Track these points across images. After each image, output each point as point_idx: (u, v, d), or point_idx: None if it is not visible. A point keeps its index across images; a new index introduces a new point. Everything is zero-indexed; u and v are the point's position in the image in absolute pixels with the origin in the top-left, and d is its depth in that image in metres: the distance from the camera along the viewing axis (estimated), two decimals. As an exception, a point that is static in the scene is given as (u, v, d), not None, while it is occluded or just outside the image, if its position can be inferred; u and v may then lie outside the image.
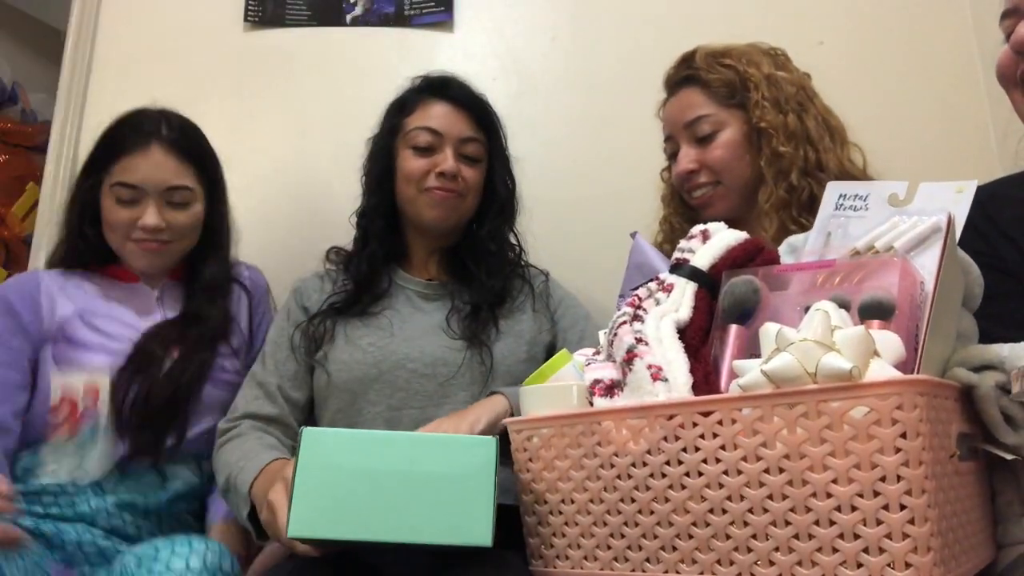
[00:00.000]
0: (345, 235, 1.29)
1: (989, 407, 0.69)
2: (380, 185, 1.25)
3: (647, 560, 0.72)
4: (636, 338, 0.76)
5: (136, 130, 1.20)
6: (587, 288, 1.35)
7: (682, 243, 0.85)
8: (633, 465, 0.72)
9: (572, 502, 0.77)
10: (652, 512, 0.71)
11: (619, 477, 0.73)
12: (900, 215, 0.76)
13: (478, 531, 0.72)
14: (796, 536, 0.63)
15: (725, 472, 0.66)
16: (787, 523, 0.63)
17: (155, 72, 1.68)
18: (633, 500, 0.72)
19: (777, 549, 0.64)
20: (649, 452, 0.71)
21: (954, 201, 0.75)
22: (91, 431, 1.11)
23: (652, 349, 0.75)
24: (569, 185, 1.56)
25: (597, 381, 0.78)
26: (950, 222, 0.70)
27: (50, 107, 1.73)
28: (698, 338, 0.77)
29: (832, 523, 0.61)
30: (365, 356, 1.13)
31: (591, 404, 0.78)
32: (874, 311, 0.67)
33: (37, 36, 2.82)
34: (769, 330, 0.66)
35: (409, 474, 0.74)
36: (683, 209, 1.21)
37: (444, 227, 1.24)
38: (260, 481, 0.98)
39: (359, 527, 0.73)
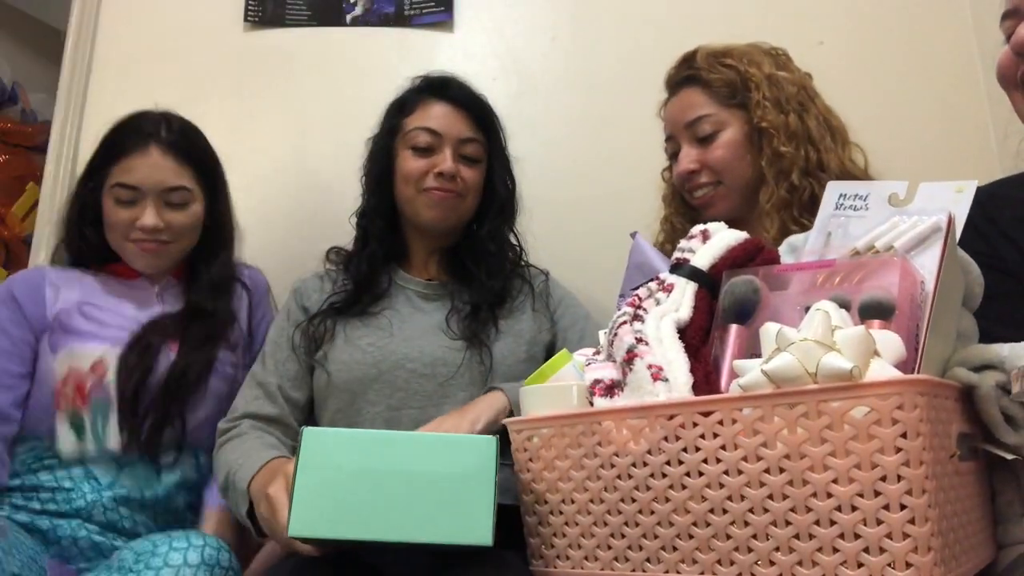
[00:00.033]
0: (345, 235, 1.29)
1: (989, 407, 0.69)
2: (380, 185, 1.25)
3: (647, 560, 0.72)
4: (636, 338, 0.76)
5: (136, 132, 1.21)
6: (587, 288, 1.35)
7: (682, 243, 0.85)
8: (633, 465, 0.72)
9: (572, 502, 0.77)
10: (652, 512, 0.71)
11: (619, 477, 0.73)
12: (900, 215, 0.76)
13: (478, 531, 0.72)
14: (796, 536, 0.63)
15: (726, 472, 0.66)
16: (787, 523, 0.63)
17: (155, 72, 1.68)
18: (633, 500, 0.72)
19: (777, 549, 0.64)
20: (649, 452, 0.71)
21: (954, 201, 0.75)
22: (103, 402, 1.13)
23: (652, 349, 0.75)
24: (569, 185, 1.56)
25: (597, 381, 0.78)
26: (950, 222, 0.70)
27: (50, 107, 1.73)
28: (698, 338, 0.77)
29: (832, 523, 0.61)
30: (365, 356, 1.13)
31: (591, 404, 0.78)
32: (874, 311, 0.67)
33: (37, 36, 2.82)
34: (769, 330, 0.66)
35: (409, 474, 0.74)
36: (684, 209, 1.21)
37: (443, 227, 1.24)
38: (259, 478, 0.98)
39: (360, 527, 0.73)
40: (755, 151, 1.10)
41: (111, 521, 1.11)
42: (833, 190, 0.83)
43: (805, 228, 0.96)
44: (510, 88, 1.61)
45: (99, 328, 1.18)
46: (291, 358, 1.17)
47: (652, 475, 0.70)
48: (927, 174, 0.79)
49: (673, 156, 1.19)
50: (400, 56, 1.65)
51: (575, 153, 1.58)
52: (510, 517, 0.82)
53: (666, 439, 0.69)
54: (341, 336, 1.16)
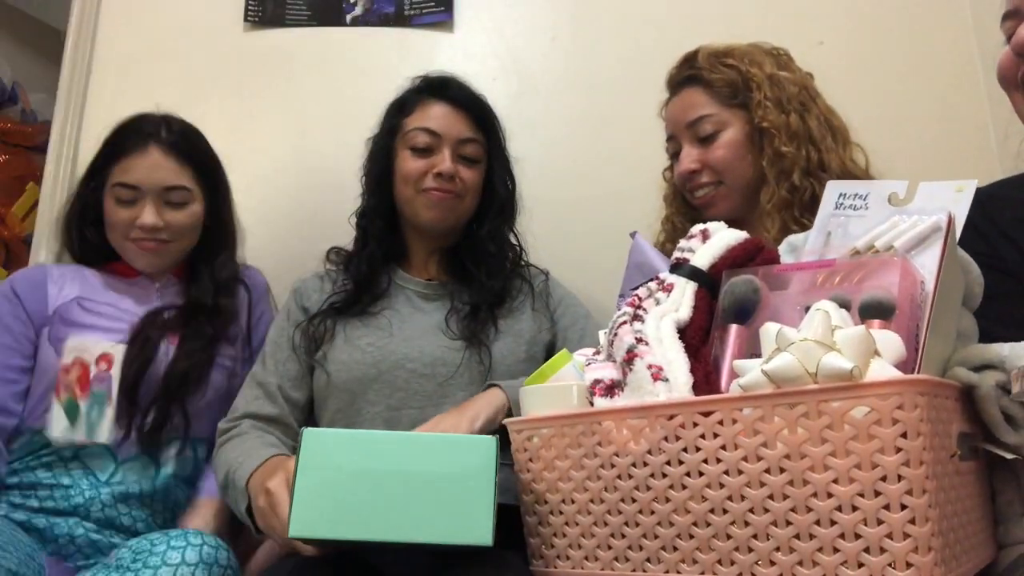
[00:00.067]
0: (345, 235, 1.29)
1: (989, 407, 0.69)
2: (379, 185, 1.25)
3: (648, 560, 0.72)
4: (636, 338, 0.76)
5: (137, 133, 1.23)
6: (587, 288, 1.35)
7: (682, 243, 0.85)
8: (634, 465, 0.72)
9: (572, 502, 0.77)
10: (653, 512, 0.71)
11: (619, 477, 0.73)
12: (900, 214, 0.76)
13: (478, 531, 0.72)
14: (797, 536, 0.63)
15: (726, 472, 0.66)
16: (788, 523, 0.63)
17: (155, 72, 1.68)
18: (634, 500, 0.72)
19: (778, 549, 0.64)
20: (650, 452, 0.71)
21: (954, 200, 0.75)
22: (102, 394, 1.13)
23: (652, 349, 0.75)
24: (569, 185, 1.56)
25: (597, 381, 0.78)
26: (950, 221, 0.70)
27: (50, 107, 1.73)
28: (698, 338, 0.77)
29: (833, 523, 0.61)
30: (364, 356, 1.13)
31: (591, 404, 0.78)
32: (874, 311, 0.67)
33: (37, 36, 2.82)
34: (769, 330, 0.66)
35: (409, 474, 0.74)
36: (685, 209, 1.21)
37: (442, 228, 1.24)
38: (258, 474, 0.98)
39: (360, 527, 0.73)
40: (756, 151, 1.10)
41: (109, 518, 1.12)
42: (833, 189, 0.83)
43: (806, 228, 0.95)
44: (510, 88, 1.61)
45: (101, 320, 1.19)
46: (291, 358, 1.17)
47: (652, 475, 0.70)
48: (927, 174, 0.79)
49: (674, 156, 1.19)
50: (400, 56, 1.65)
51: (575, 153, 1.58)
52: (510, 517, 0.82)
53: (666, 439, 0.69)
54: (341, 336, 1.16)
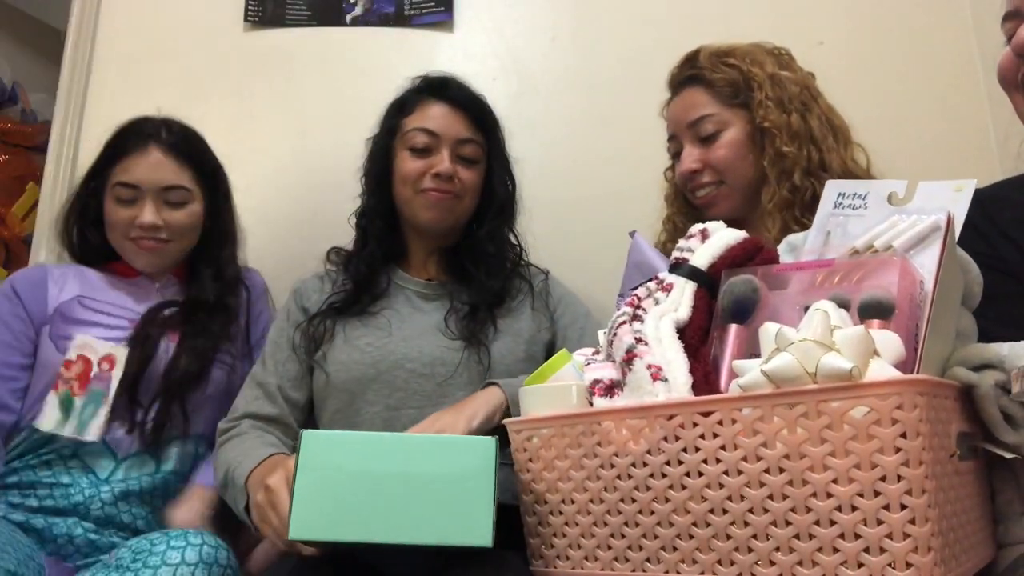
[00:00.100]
0: (345, 235, 1.30)
1: (989, 406, 0.69)
2: (379, 186, 1.25)
3: (647, 560, 0.72)
4: (636, 338, 0.76)
5: (137, 134, 1.25)
6: (587, 288, 1.35)
7: (681, 242, 0.85)
8: (633, 465, 0.72)
9: (572, 502, 0.77)
10: (652, 512, 0.71)
11: (619, 477, 0.73)
12: (899, 214, 0.76)
13: (478, 531, 0.72)
14: (797, 536, 0.63)
15: (725, 472, 0.66)
16: (787, 523, 0.63)
17: (155, 72, 1.68)
18: (633, 500, 0.72)
19: (778, 549, 0.64)
20: (649, 452, 0.71)
21: (953, 200, 0.75)
22: (100, 394, 1.14)
23: (652, 349, 0.75)
24: (569, 185, 1.56)
25: (597, 381, 0.78)
26: (949, 221, 0.70)
27: (50, 107, 1.73)
28: (697, 338, 0.77)
29: (832, 523, 0.61)
30: (363, 356, 1.13)
31: (591, 404, 0.78)
32: (874, 310, 0.67)
33: (37, 36, 2.82)
34: (769, 330, 0.66)
35: (409, 475, 0.74)
36: (687, 208, 1.21)
37: (440, 228, 1.24)
38: (257, 472, 0.98)
39: (360, 529, 0.73)
40: (757, 151, 1.10)
41: (109, 516, 1.12)
42: (832, 189, 0.83)
43: (807, 228, 0.95)
44: (510, 88, 1.61)
45: (102, 319, 1.20)
46: (291, 358, 1.17)
47: (652, 475, 0.70)
48: (927, 174, 0.79)
49: (675, 156, 1.19)
50: (400, 56, 1.65)
51: (575, 153, 1.58)
52: (510, 517, 0.82)
53: (666, 439, 0.69)
54: (340, 336, 1.16)
